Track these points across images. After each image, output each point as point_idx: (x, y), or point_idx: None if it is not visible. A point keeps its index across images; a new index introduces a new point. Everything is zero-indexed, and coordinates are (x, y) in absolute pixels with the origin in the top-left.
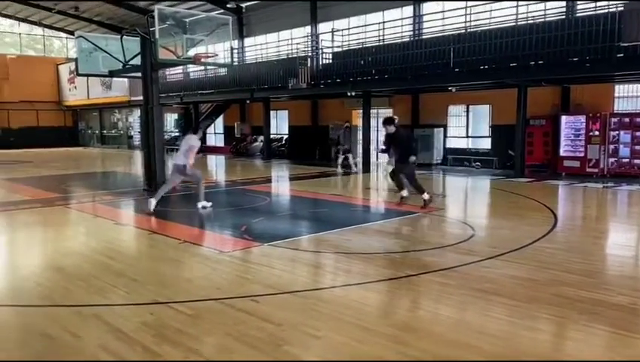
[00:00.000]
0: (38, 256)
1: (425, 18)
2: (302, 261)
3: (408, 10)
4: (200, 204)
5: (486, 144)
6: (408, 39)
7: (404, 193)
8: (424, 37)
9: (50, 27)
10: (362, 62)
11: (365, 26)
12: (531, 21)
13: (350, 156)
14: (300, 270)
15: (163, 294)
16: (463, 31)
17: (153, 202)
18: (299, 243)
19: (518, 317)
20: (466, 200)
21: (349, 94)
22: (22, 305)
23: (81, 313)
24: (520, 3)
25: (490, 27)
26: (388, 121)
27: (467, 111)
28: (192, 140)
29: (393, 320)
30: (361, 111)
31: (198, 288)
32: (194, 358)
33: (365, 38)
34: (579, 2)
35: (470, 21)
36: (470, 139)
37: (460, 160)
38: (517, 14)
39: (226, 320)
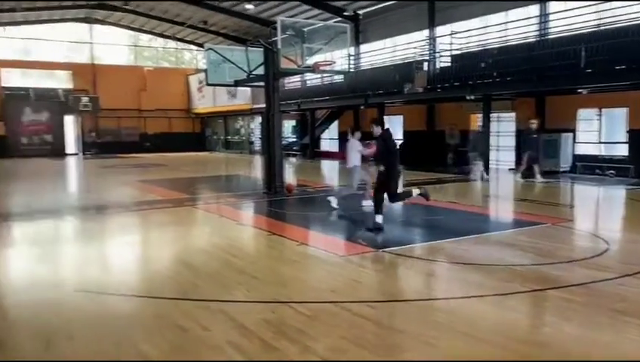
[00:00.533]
0: (169, 252)
1: (552, 17)
2: (417, 269)
3: (534, 9)
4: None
5: (622, 150)
6: (533, 39)
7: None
8: (551, 36)
9: (182, 40)
10: (483, 65)
11: (486, 27)
12: None
13: (537, 167)
14: (415, 278)
15: (282, 293)
16: (596, 28)
17: (337, 200)
18: (414, 251)
19: None
20: (598, 212)
21: (467, 98)
22: (156, 296)
23: (209, 307)
24: None
25: (628, 23)
26: (376, 122)
27: (600, 114)
28: (356, 144)
29: (514, 335)
30: (481, 115)
31: (315, 290)
32: (310, 357)
33: (486, 39)
34: None
35: (604, 17)
36: (603, 145)
37: (590, 167)
38: None
39: (342, 323)
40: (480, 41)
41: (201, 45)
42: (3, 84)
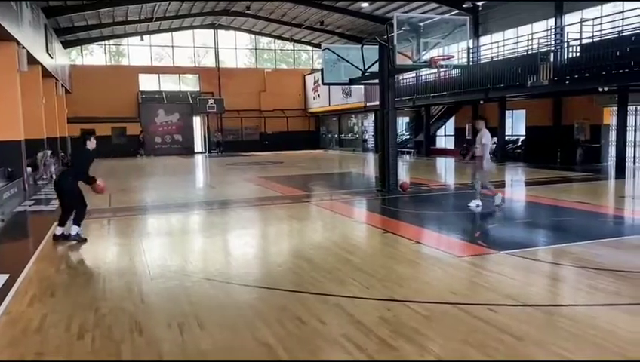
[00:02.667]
0: (288, 246)
1: None
2: (541, 273)
3: None
4: (474, 203)
5: None
6: None
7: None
8: None
9: (299, 42)
10: (618, 53)
11: (623, 12)
12: None
13: None
14: (540, 282)
15: (399, 292)
16: None
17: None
18: (537, 254)
19: None
20: None
21: (600, 90)
22: (277, 288)
23: (326, 301)
24: None
25: None
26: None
27: None
28: (486, 137)
29: None
30: (615, 108)
31: (432, 290)
32: (429, 357)
33: (622, 25)
34: None
35: None
36: None
37: None
38: None
39: (462, 326)
40: (614, 28)
41: (317, 45)
42: (140, 89)
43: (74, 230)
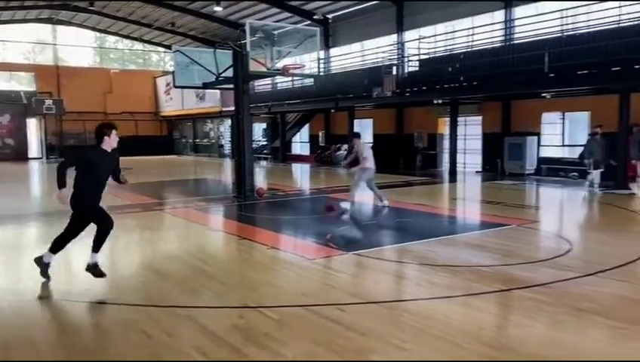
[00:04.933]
0: (137, 258)
1: (517, 22)
2: (386, 271)
3: (499, 14)
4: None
5: None
6: (499, 44)
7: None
8: (516, 42)
9: (149, 42)
10: (450, 69)
11: (453, 32)
12: (637, 22)
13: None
14: (385, 280)
15: (252, 298)
16: (560, 34)
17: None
18: (383, 253)
19: (621, 339)
20: (562, 213)
21: (435, 102)
22: (123, 303)
23: (176, 314)
24: (622, 3)
25: (590, 29)
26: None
27: (563, 118)
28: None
29: (482, 337)
30: (449, 119)
31: (284, 294)
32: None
33: (453, 44)
34: None
35: (567, 24)
36: (566, 148)
37: (554, 170)
38: (620, 14)
39: (312, 327)
40: (447, 46)
41: (168, 47)
42: None
43: None
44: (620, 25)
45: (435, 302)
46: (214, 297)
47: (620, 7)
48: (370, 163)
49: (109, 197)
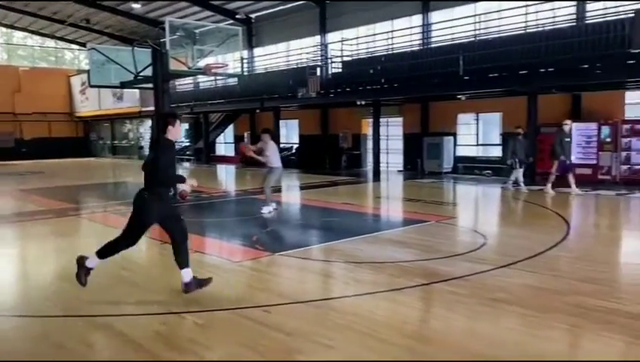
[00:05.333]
0: (52, 266)
1: (434, 27)
2: (313, 270)
3: (417, 18)
4: (265, 209)
5: (497, 152)
6: (417, 48)
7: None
8: (433, 45)
9: (62, 39)
10: (371, 71)
11: (374, 35)
12: (541, 28)
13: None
14: (311, 279)
15: (175, 304)
16: (473, 39)
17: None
18: (309, 253)
19: (532, 327)
20: (477, 209)
21: (358, 103)
22: (37, 315)
23: (95, 323)
24: (529, 10)
25: (500, 35)
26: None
27: (477, 119)
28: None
29: (405, 330)
30: (371, 120)
31: (209, 298)
32: None
33: (374, 47)
34: (589, 5)
35: (480, 29)
36: (480, 147)
37: (470, 168)
38: (526, 21)
39: (238, 330)
40: (369, 49)
41: (83, 45)
42: None
43: None
44: (527, 31)
45: (360, 299)
46: (135, 304)
47: (526, 13)
48: (275, 162)
49: (20, 204)
